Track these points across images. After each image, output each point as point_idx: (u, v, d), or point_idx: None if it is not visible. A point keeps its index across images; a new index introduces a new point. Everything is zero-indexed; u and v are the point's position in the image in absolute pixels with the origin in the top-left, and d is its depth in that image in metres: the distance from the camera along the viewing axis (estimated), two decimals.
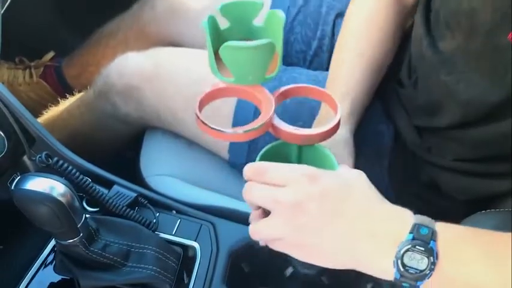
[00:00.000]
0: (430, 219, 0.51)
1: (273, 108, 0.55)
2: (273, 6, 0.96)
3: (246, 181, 0.55)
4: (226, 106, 0.80)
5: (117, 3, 1.12)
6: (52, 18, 1.39)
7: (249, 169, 0.54)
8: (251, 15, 0.57)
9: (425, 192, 0.76)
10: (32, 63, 1.25)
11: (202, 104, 0.57)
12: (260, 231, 0.54)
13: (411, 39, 0.77)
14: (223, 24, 0.57)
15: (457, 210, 0.69)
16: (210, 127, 0.54)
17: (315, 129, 0.55)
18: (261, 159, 0.57)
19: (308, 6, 0.95)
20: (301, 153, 0.59)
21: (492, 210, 0.62)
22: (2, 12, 0.79)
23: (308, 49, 0.94)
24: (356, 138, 0.78)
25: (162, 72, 0.85)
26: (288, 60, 0.95)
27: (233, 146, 0.82)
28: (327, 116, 0.71)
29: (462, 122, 0.67)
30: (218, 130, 0.54)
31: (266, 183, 0.53)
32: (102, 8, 1.20)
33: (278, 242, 0.53)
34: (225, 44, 0.50)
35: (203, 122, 0.54)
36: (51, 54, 1.26)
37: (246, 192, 0.54)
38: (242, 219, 0.77)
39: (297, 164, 0.54)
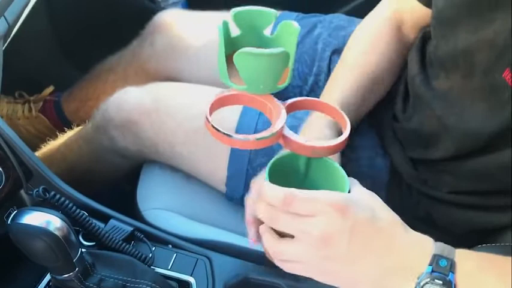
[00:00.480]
0: (450, 247, 0.52)
1: (285, 118, 0.54)
2: None
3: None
4: (229, 118, 0.81)
5: (117, 39, 1.14)
6: (52, 53, 1.41)
7: (272, 197, 0.52)
8: (263, 24, 0.57)
9: (421, 227, 0.75)
10: (32, 98, 1.26)
11: (212, 110, 0.54)
12: (283, 253, 0.53)
13: (406, 73, 0.78)
14: (235, 32, 0.57)
15: (454, 244, 0.68)
16: (220, 132, 0.52)
17: (326, 142, 0.55)
18: (270, 171, 0.55)
19: (304, 43, 0.97)
20: (309, 165, 0.59)
21: (490, 244, 0.62)
22: (3, 48, 0.80)
23: (304, 84, 0.96)
24: (353, 171, 0.79)
25: (160, 107, 0.86)
26: (284, 95, 0.96)
27: (230, 180, 0.83)
28: (316, 122, 0.71)
29: (457, 155, 0.68)
30: (228, 136, 0.52)
31: (293, 213, 0.52)
32: (102, 43, 1.22)
33: (298, 264, 0.53)
34: (241, 50, 0.50)
35: (214, 127, 0.52)
36: (50, 88, 1.27)
37: (271, 220, 0.53)
38: (238, 253, 0.77)
39: (320, 192, 0.52)
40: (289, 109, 0.57)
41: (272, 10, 0.56)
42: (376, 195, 0.55)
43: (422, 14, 0.78)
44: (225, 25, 0.55)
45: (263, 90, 0.54)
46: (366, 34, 0.82)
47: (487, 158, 0.65)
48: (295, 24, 0.54)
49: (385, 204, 0.55)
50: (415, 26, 0.81)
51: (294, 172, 0.59)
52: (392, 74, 0.81)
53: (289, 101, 0.57)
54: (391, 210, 0.55)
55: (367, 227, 0.51)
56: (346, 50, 0.82)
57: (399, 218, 0.54)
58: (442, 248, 0.52)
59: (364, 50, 0.80)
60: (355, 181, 0.56)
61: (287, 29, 0.55)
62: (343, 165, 0.77)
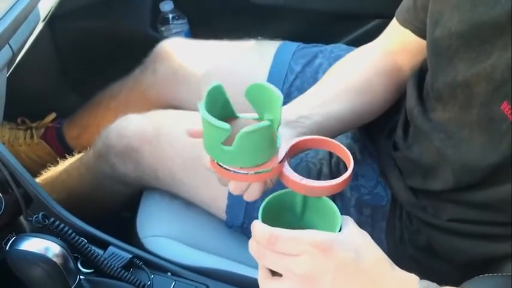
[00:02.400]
0: (435, 285, 0.52)
1: (284, 153, 0.56)
2: (271, 73, 0.98)
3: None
4: None
5: (120, 66, 1.15)
6: (55, 80, 1.42)
7: (259, 236, 0.53)
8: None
9: (422, 256, 0.75)
10: (34, 124, 1.26)
11: None
12: None
13: (405, 102, 0.79)
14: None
15: (454, 275, 0.68)
16: (222, 167, 0.55)
17: (322, 182, 0.56)
18: (266, 208, 0.56)
19: (305, 72, 0.98)
20: (306, 202, 0.59)
21: (491, 274, 0.62)
22: (7, 75, 0.82)
23: None
24: (355, 201, 0.78)
25: (161, 134, 0.86)
26: None
27: (231, 207, 0.83)
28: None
29: (457, 187, 0.68)
30: (229, 170, 0.55)
31: (278, 252, 0.52)
32: (105, 71, 1.23)
33: None
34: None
35: (216, 162, 0.56)
36: (52, 115, 1.27)
37: (259, 257, 0.54)
38: (238, 281, 0.76)
39: (305, 232, 0.53)
40: (292, 150, 0.58)
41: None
42: (366, 234, 0.55)
43: (416, 45, 0.78)
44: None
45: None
46: (353, 58, 0.83)
47: (488, 192, 0.64)
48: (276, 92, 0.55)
49: (373, 243, 0.55)
50: (410, 57, 0.81)
51: (292, 209, 0.60)
52: (384, 85, 0.80)
53: (292, 142, 0.58)
54: (379, 249, 0.55)
55: (351, 267, 0.52)
56: (330, 69, 0.83)
57: (386, 258, 0.54)
58: (427, 284, 0.52)
59: (349, 65, 0.81)
60: (349, 219, 0.56)
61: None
62: (344, 192, 0.76)
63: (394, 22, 0.81)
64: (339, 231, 0.55)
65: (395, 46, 0.81)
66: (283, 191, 0.59)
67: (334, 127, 0.72)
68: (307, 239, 0.52)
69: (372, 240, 0.55)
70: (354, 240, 0.54)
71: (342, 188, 0.56)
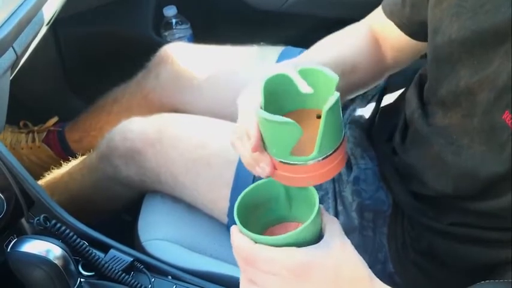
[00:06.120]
0: None
1: None
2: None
3: None
4: (227, 171, 0.81)
5: (123, 71, 1.16)
6: (58, 84, 1.43)
7: (238, 251, 0.53)
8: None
9: (424, 261, 0.75)
10: (36, 128, 1.27)
11: None
12: None
13: (405, 108, 0.79)
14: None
15: (456, 280, 0.68)
16: (297, 165, 0.54)
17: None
18: (243, 200, 0.56)
19: None
20: (288, 192, 0.58)
21: (492, 281, 0.61)
22: (10, 78, 0.82)
23: None
24: (357, 206, 0.78)
25: (164, 137, 0.87)
26: None
27: (232, 211, 0.82)
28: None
29: (456, 194, 0.67)
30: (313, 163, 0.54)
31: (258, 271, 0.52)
32: (108, 75, 1.23)
33: None
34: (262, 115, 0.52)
35: (287, 163, 0.54)
36: (55, 119, 1.28)
37: (241, 267, 0.54)
38: (239, 285, 0.76)
39: (281, 253, 0.51)
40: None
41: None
42: (348, 244, 0.54)
43: (399, 39, 0.78)
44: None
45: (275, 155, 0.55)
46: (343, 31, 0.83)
47: (489, 202, 0.64)
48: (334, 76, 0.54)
49: (355, 257, 0.54)
50: (390, 48, 0.81)
51: (276, 198, 0.59)
52: (367, 67, 0.80)
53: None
54: (361, 263, 0.54)
55: (330, 286, 0.51)
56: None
57: (367, 272, 0.54)
58: None
59: (338, 37, 0.81)
60: (335, 224, 0.55)
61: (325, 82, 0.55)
62: (345, 197, 0.75)
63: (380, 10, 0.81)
64: (320, 234, 0.54)
65: (379, 34, 0.81)
66: (262, 181, 0.57)
67: None
68: (283, 262, 0.51)
69: (354, 251, 0.54)
70: (334, 256, 0.52)
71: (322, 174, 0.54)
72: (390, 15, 0.78)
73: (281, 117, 0.52)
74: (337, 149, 0.54)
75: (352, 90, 0.82)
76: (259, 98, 0.55)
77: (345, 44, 0.80)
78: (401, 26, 0.77)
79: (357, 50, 0.80)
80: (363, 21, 0.85)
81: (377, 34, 0.82)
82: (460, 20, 0.63)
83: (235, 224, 0.55)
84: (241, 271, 0.55)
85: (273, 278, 0.51)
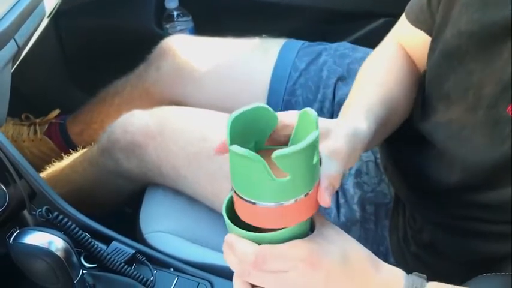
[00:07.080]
0: (422, 280, 0.53)
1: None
2: (275, 71, 0.98)
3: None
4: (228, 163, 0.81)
5: (124, 63, 1.16)
6: (59, 76, 1.43)
7: (243, 257, 0.51)
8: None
9: (425, 254, 0.75)
10: (37, 120, 1.27)
11: None
12: None
13: None
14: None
15: (458, 273, 0.68)
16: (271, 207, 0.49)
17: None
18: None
19: (309, 70, 0.98)
20: None
21: (492, 274, 0.62)
22: (12, 70, 0.82)
23: None
24: (358, 198, 0.78)
25: (166, 130, 0.87)
26: None
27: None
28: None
29: (457, 187, 0.67)
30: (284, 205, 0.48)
31: (266, 271, 0.51)
32: (109, 68, 1.23)
33: None
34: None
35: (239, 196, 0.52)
36: (56, 111, 1.28)
37: (242, 275, 0.53)
38: None
39: (291, 246, 0.50)
40: None
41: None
42: (342, 231, 0.54)
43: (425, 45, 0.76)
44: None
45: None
46: (380, 59, 0.79)
47: (490, 194, 0.64)
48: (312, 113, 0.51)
49: (353, 240, 0.54)
50: (422, 58, 0.77)
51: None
52: (408, 99, 0.76)
53: None
54: (360, 246, 0.54)
55: (340, 273, 0.52)
56: (361, 72, 0.78)
57: (369, 254, 0.54)
58: (413, 281, 0.52)
59: (380, 71, 0.77)
60: (323, 219, 0.54)
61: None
62: (347, 189, 0.75)
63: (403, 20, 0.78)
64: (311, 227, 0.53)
65: (410, 49, 0.79)
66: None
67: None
68: (294, 255, 0.50)
69: (350, 236, 0.55)
70: (336, 242, 0.53)
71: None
72: (416, 23, 0.75)
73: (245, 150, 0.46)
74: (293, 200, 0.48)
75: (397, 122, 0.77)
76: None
77: (390, 83, 0.74)
78: (430, 32, 0.73)
79: (401, 88, 0.75)
80: (390, 39, 0.81)
81: (407, 49, 0.79)
82: (468, 12, 0.62)
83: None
84: (239, 280, 0.54)
85: (287, 275, 0.51)
